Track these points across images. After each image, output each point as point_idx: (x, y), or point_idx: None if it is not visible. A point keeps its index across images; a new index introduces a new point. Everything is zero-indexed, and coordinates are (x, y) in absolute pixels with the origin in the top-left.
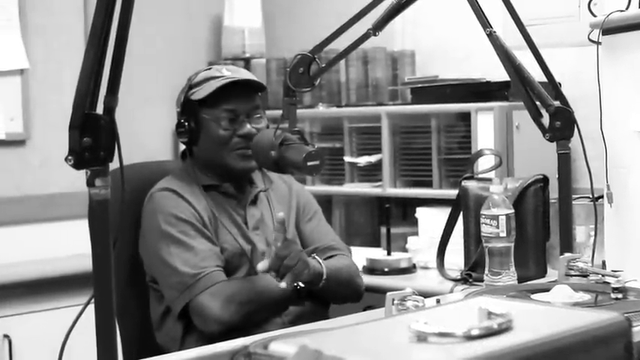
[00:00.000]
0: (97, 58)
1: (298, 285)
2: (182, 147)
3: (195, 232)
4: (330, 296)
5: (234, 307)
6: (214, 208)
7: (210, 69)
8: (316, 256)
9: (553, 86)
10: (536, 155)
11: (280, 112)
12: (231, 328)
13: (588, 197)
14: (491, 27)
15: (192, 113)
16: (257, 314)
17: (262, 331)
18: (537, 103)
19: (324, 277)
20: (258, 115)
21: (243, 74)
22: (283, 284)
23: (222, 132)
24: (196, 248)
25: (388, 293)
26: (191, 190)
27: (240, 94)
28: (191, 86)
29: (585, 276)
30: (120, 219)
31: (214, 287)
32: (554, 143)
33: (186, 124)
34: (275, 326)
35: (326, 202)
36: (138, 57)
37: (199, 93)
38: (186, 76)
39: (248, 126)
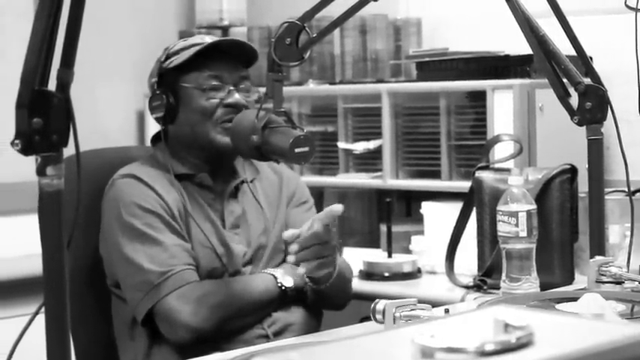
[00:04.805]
0: (49, 25)
1: (282, 285)
2: (149, 130)
3: (163, 225)
4: (326, 301)
5: (206, 312)
6: (187, 200)
7: (192, 37)
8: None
9: (583, 61)
10: (563, 142)
11: (264, 89)
12: (204, 338)
13: (624, 191)
14: None
15: (169, 84)
16: (233, 321)
17: (242, 344)
18: (564, 80)
19: (333, 277)
20: (248, 88)
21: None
22: (302, 270)
23: (205, 101)
24: (165, 243)
25: (389, 302)
26: (160, 178)
27: (228, 61)
28: (168, 55)
29: (619, 283)
30: (76, 214)
31: (184, 288)
32: (584, 127)
33: (164, 96)
34: (258, 339)
35: (316, 196)
36: (97, 25)
37: (178, 59)
38: (153, 47)
39: (237, 95)
